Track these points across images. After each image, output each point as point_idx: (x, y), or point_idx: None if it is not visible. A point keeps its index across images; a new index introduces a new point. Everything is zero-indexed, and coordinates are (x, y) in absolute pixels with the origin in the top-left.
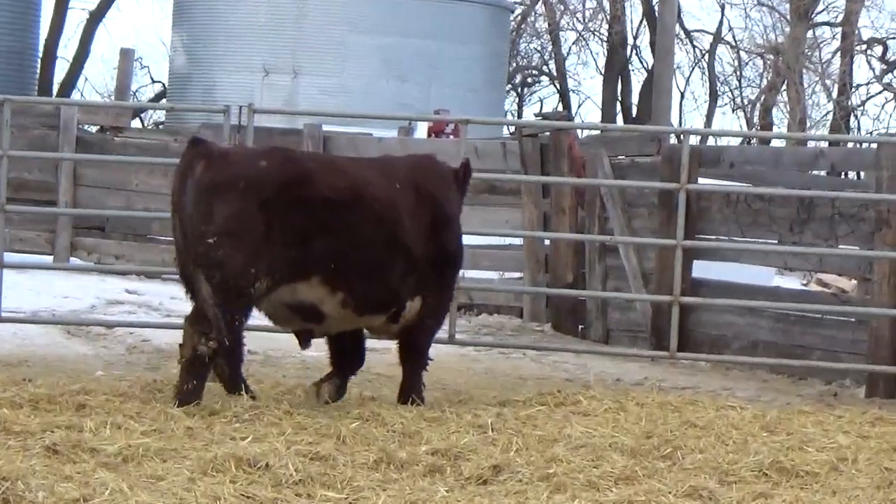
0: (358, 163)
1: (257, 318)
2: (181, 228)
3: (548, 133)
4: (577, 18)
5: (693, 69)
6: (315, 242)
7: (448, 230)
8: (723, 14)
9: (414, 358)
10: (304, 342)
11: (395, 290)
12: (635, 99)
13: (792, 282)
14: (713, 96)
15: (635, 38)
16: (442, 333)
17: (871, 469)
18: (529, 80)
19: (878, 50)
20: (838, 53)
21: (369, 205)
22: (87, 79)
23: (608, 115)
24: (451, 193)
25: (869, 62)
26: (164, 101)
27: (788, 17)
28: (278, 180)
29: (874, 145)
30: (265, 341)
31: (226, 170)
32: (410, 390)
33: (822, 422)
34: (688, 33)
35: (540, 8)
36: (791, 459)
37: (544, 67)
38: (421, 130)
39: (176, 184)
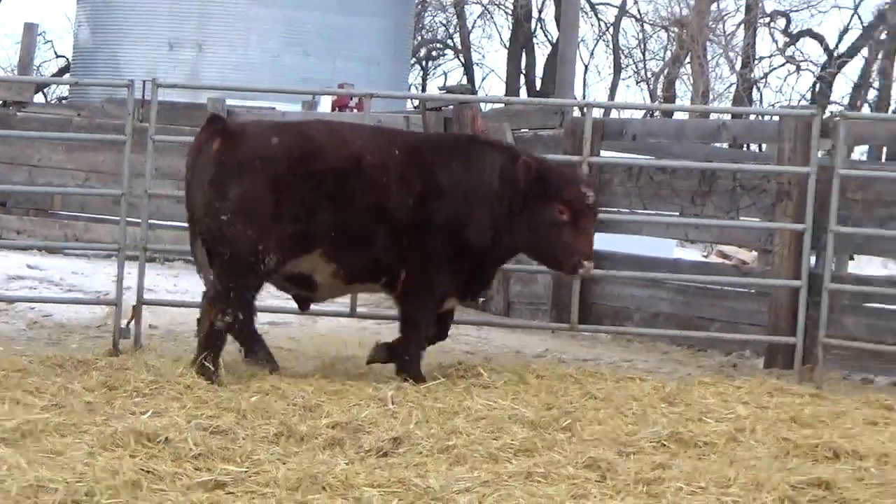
0: (362, 130)
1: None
2: (193, 204)
3: (451, 106)
4: None
5: (597, 42)
6: (320, 215)
7: (439, 202)
8: None
9: (406, 328)
10: (303, 306)
11: (380, 259)
12: (539, 72)
13: (693, 254)
14: (617, 69)
15: (540, 11)
16: (343, 307)
17: (770, 439)
18: (434, 53)
19: (781, 22)
20: (742, 26)
21: (365, 174)
22: None
23: (512, 88)
24: (458, 168)
25: (772, 35)
26: (67, 75)
27: None
28: (289, 157)
29: (776, 117)
30: (166, 315)
31: (240, 148)
32: (402, 356)
33: (721, 392)
34: (592, 6)
35: None
36: (690, 430)
37: (449, 41)
38: (325, 104)
39: (190, 160)
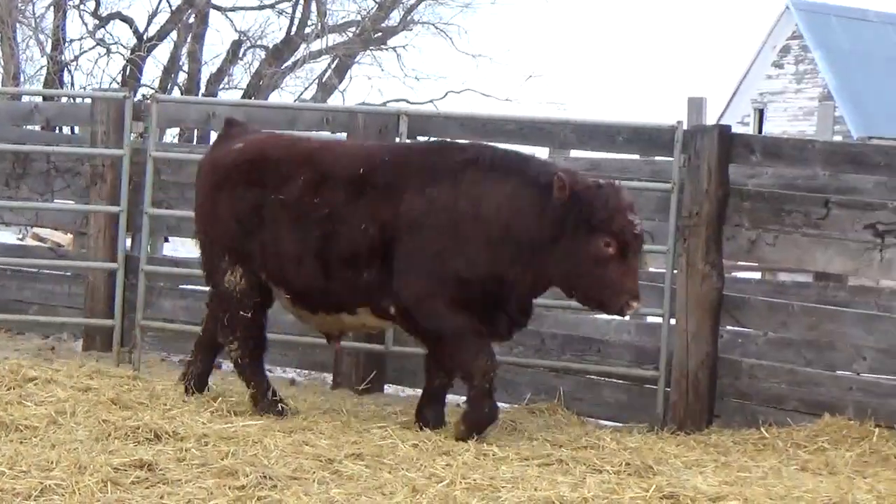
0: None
1: None
2: None
3: None
4: None
5: None
6: (256, 231)
7: (411, 234)
8: None
9: (466, 381)
10: (329, 339)
11: (336, 288)
12: None
13: (8, 236)
14: None
15: None
16: None
17: (90, 421)
18: None
19: (91, 5)
20: (52, 8)
21: (310, 196)
22: None
23: None
24: (442, 194)
25: (82, 17)
26: None
27: None
28: (231, 162)
29: (89, 100)
30: None
31: (209, 152)
32: (467, 418)
33: (42, 377)
34: None
35: None
36: (10, 414)
37: None
38: None
39: None
